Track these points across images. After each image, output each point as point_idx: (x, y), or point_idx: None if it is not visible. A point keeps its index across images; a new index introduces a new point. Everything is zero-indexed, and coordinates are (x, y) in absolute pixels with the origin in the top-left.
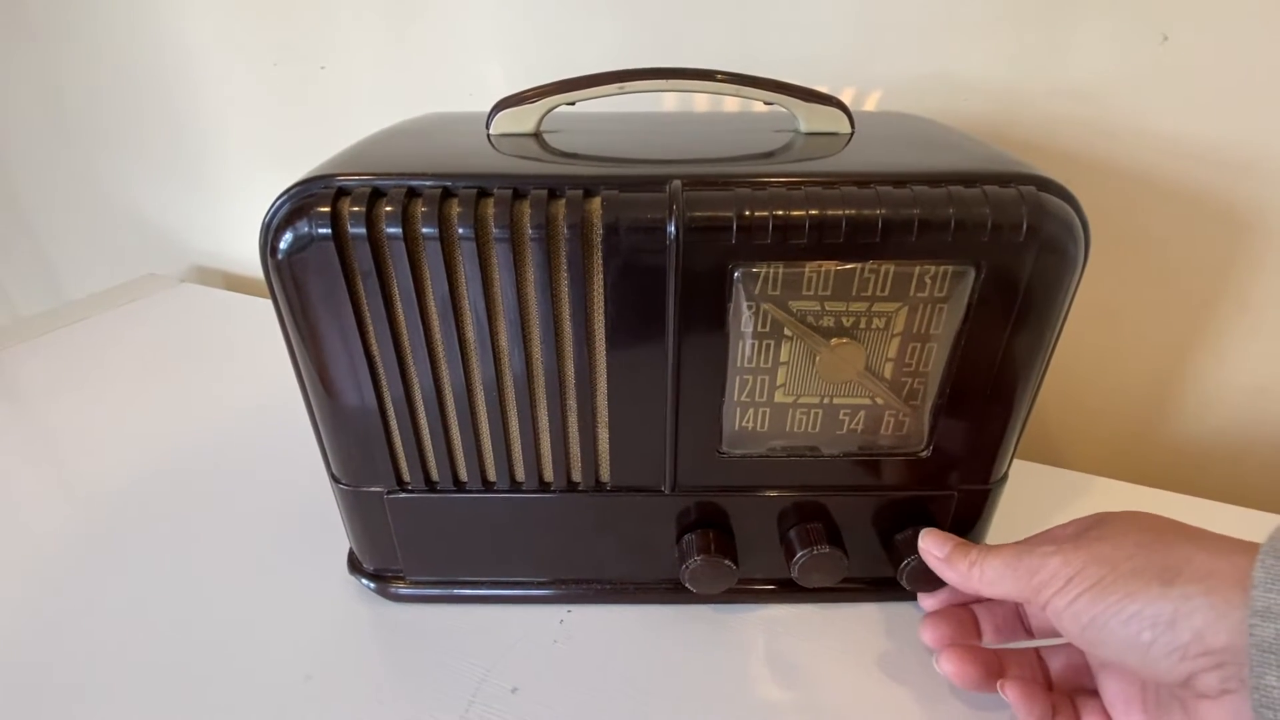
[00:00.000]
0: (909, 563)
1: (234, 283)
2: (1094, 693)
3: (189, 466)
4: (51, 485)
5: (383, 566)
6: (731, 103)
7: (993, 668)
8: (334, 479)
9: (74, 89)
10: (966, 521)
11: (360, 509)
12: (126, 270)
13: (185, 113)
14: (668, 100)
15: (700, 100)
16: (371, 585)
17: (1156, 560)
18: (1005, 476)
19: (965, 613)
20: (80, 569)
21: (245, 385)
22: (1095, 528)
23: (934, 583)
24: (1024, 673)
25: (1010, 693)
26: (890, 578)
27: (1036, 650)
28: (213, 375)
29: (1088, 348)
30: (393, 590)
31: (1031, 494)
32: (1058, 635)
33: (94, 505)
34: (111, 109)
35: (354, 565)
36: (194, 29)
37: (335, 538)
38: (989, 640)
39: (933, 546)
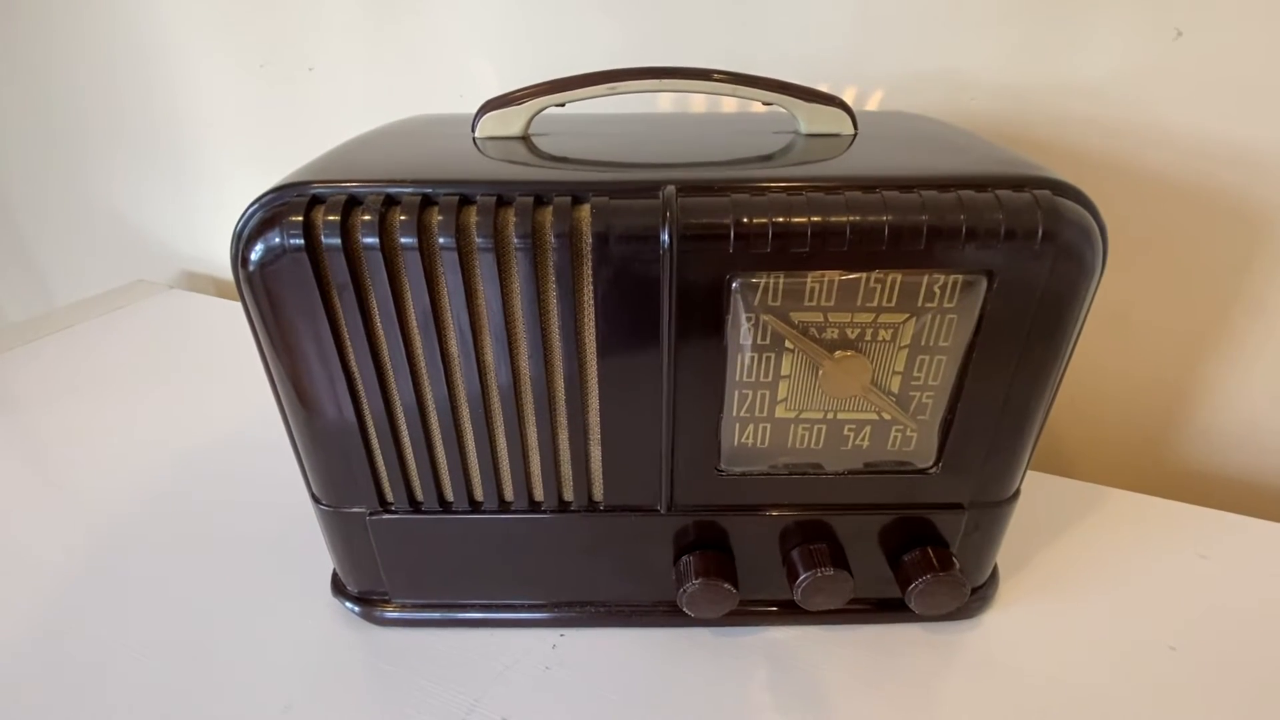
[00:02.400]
0: (917, 584)
1: (225, 289)
2: None
3: (173, 478)
4: (35, 493)
5: (367, 589)
6: (729, 103)
7: None
8: (314, 499)
9: (61, 94)
10: (977, 539)
11: (342, 530)
12: (116, 276)
13: (172, 115)
14: (663, 102)
15: (697, 101)
16: (356, 608)
17: None
18: (1018, 493)
19: None
20: (54, 582)
21: (234, 394)
22: None
23: (943, 605)
24: None
25: None
26: (898, 599)
27: None
28: (201, 383)
29: (1098, 353)
30: (378, 614)
31: (1041, 506)
32: None
33: (75, 516)
34: (98, 113)
35: (337, 587)
36: (179, 30)
37: (319, 557)
38: None
39: None
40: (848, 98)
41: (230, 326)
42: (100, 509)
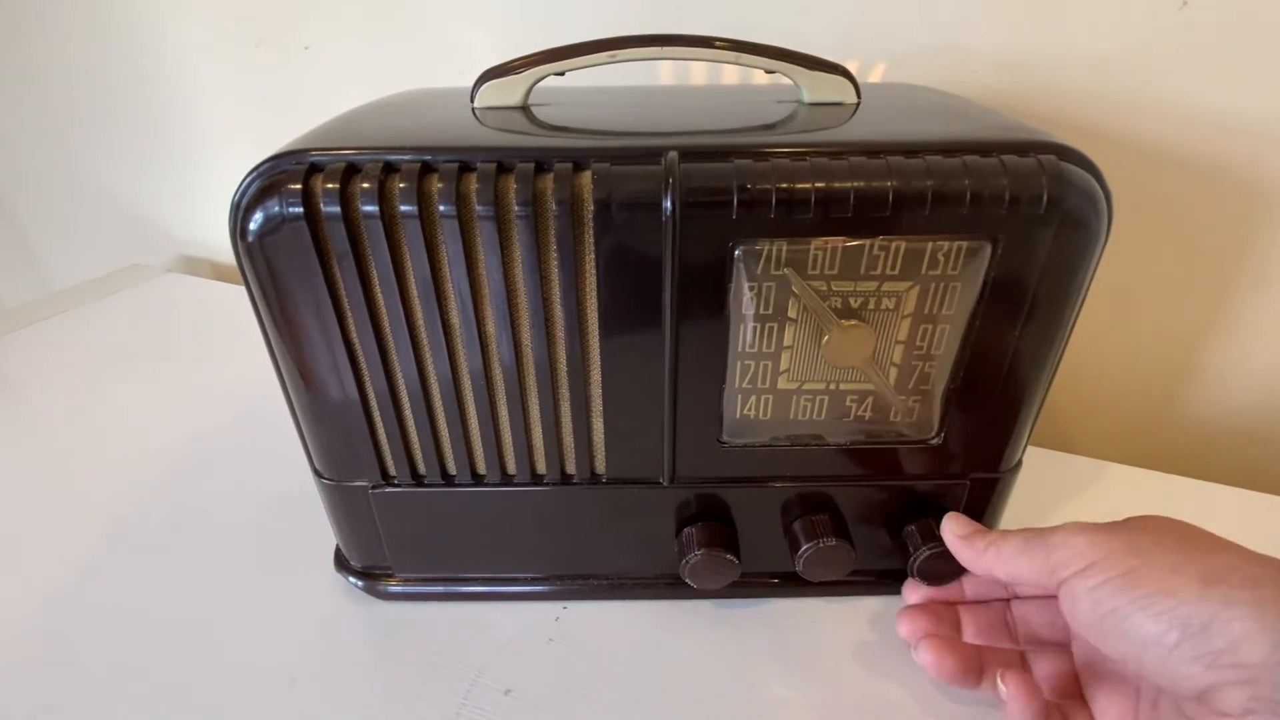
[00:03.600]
0: (920, 555)
1: (222, 272)
2: (1081, 701)
3: (173, 459)
4: (33, 477)
5: (370, 564)
6: (731, 75)
7: (973, 663)
8: (316, 473)
9: (54, 76)
10: (978, 511)
11: (344, 505)
12: (112, 260)
13: (168, 96)
14: (665, 75)
15: (698, 74)
16: (359, 583)
17: (1198, 560)
18: (1019, 464)
19: (947, 609)
20: (55, 564)
21: (231, 377)
22: (1127, 522)
23: (945, 576)
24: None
25: (1010, 684)
26: (899, 570)
27: (1021, 654)
28: (199, 366)
29: (1099, 327)
30: (381, 588)
31: (1041, 481)
32: (1043, 642)
33: (75, 499)
34: (93, 95)
35: (341, 562)
36: (173, 9)
37: (323, 533)
38: (970, 640)
39: (956, 526)
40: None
41: (228, 310)
42: (100, 492)
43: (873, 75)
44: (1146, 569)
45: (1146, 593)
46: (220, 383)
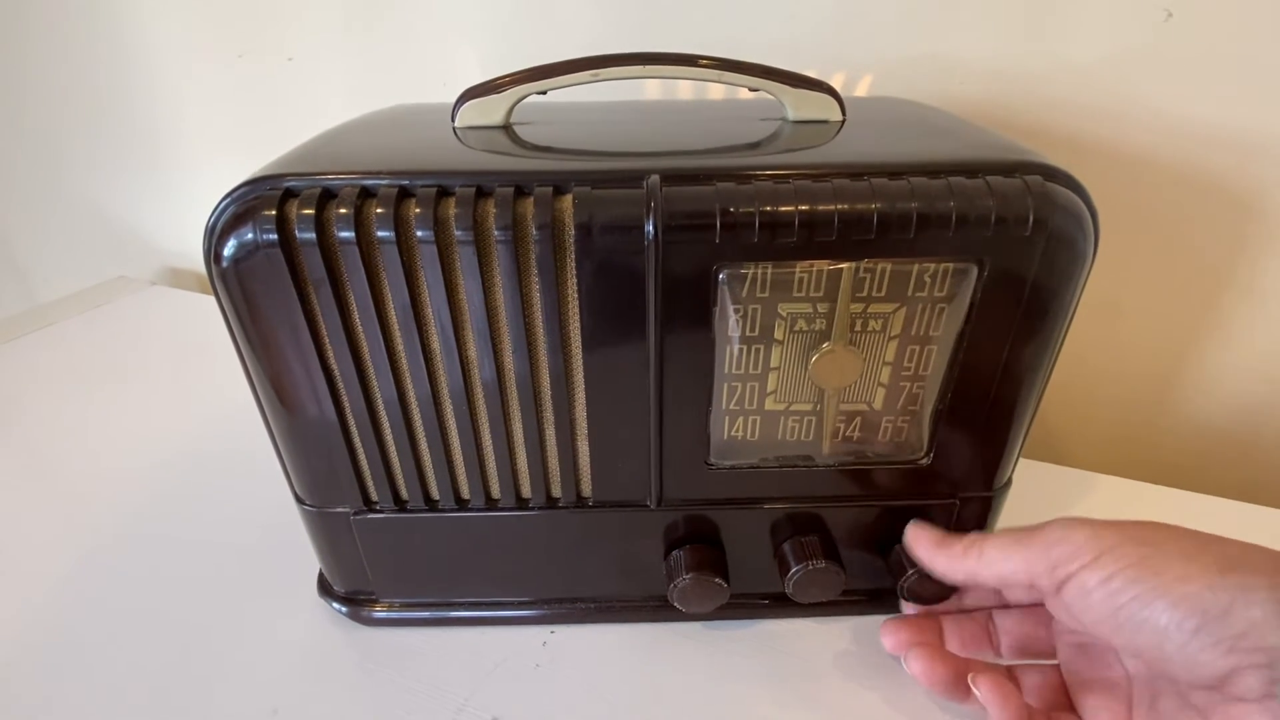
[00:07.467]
0: (910, 575)
1: (208, 285)
2: (1072, 712)
3: (157, 477)
4: (15, 493)
5: (354, 589)
6: (715, 91)
7: (963, 672)
8: (298, 499)
9: (38, 88)
10: (968, 530)
11: (327, 531)
12: (97, 273)
13: (150, 108)
14: (649, 90)
15: (682, 89)
16: (343, 609)
17: (1211, 548)
18: (1009, 482)
19: (930, 622)
20: (34, 585)
21: (217, 392)
22: (1124, 521)
23: (936, 596)
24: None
25: (983, 686)
26: (890, 589)
27: (1008, 667)
28: (185, 381)
29: (1088, 339)
30: (365, 614)
31: (1031, 494)
32: (1027, 653)
33: (55, 516)
34: (76, 106)
35: (324, 588)
36: (156, 20)
37: (306, 557)
38: (954, 651)
39: (926, 533)
40: (835, 83)
41: (214, 323)
42: (82, 509)
43: (859, 87)
44: (1160, 556)
45: (1166, 580)
46: (205, 399)
